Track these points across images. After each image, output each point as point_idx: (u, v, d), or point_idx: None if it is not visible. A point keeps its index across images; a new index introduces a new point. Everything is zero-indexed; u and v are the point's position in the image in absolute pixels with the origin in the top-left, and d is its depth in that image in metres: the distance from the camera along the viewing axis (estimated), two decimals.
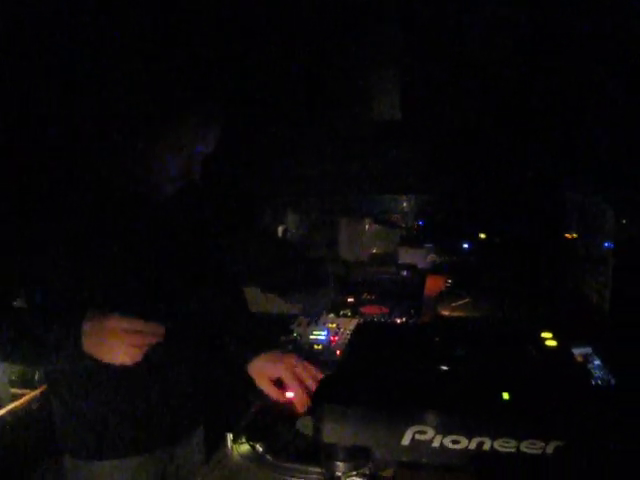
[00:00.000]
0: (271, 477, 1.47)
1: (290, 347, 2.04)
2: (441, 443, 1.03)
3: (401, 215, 3.01)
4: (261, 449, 1.53)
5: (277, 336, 2.13)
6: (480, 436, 1.02)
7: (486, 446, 1.01)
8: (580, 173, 1.83)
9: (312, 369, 1.68)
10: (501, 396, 1.07)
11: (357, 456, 1.11)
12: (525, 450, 1.01)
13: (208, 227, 1.81)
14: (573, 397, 1.07)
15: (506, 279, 2.00)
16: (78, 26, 1.66)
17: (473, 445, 1.02)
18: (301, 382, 1.59)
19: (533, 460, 1.00)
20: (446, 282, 2.36)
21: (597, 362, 1.26)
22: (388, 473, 1.36)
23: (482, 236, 2.55)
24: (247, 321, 1.82)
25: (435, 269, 2.61)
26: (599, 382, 1.20)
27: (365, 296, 2.70)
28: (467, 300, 1.84)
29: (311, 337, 2.16)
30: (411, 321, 2.17)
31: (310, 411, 1.71)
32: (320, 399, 1.08)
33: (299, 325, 2.29)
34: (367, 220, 3.15)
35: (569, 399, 1.06)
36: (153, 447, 1.64)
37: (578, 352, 1.31)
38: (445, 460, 1.03)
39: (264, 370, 1.65)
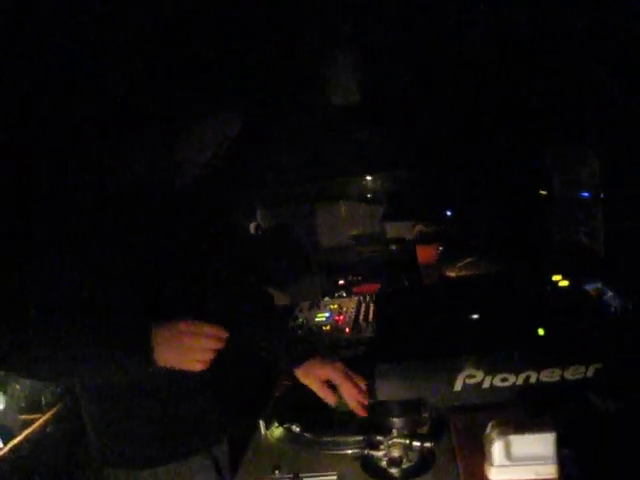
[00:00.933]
0: (312, 453, 1.50)
1: (300, 331, 2.08)
2: (491, 383, 1.10)
3: (378, 193, 3.07)
4: (298, 429, 1.56)
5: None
6: (526, 371, 1.09)
7: (532, 379, 1.08)
8: (556, 126, 1.92)
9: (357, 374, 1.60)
10: (537, 332, 1.14)
11: (411, 410, 1.16)
12: (569, 377, 1.08)
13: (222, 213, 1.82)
14: (602, 324, 1.15)
15: (497, 238, 2.09)
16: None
17: (520, 380, 1.08)
18: (353, 383, 1.52)
19: (576, 385, 1.08)
20: (438, 249, 2.44)
21: (610, 293, 1.35)
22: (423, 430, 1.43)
23: (461, 204, 2.64)
24: (276, 315, 1.79)
25: (423, 239, 2.68)
26: (617, 309, 1.29)
27: (354, 277, 2.76)
28: (470, 260, 1.92)
29: (316, 320, 2.20)
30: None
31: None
32: (371, 360, 1.13)
33: (301, 311, 2.33)
34: (342, 202, 3.20)
35: (599, 326, 1.14)
36: (193, 452, 1.61)
37: (590, 288, 1.40)
38: (496, 398, 1.10)
39: (313, 371, 1.63)
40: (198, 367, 1.29)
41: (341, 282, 2.70)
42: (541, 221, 1.96)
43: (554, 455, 0.93)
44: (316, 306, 2.31)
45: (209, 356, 1.29)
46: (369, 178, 2.98)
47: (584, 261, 1.62)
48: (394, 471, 1.37)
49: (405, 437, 1.37)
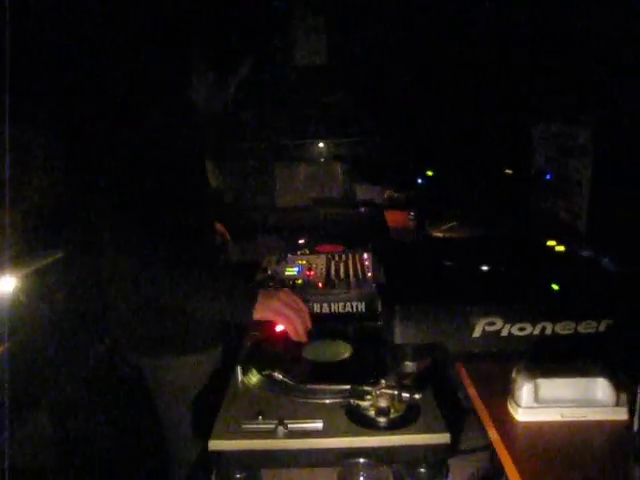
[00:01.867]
0: (294, 401, 1.48)
1: (271, 283, 2.04)
2: (509, 332, 1.11)
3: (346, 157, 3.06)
4: (280, 377, 1.53)
5: (254, 274, 2.13)
6: (543, 321, 1.11)
7: (548, 330, 1.11)
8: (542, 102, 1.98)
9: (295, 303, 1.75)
10: (551, 287, 1.17)
11: (426, 354, 1.17)
12: (582, 331, 1.11)
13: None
14: (609, 283, 1.19)
15: (477, 206, 2.13)
16: None
17: (537, 331, 1.11)
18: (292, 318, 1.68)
19: (589, 339, 1.11)
20: (409, 215, 2.46)
21: (605, 259, 1.41)
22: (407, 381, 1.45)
23: (429, 173, 2.68)
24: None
25: (393, 204, 2.70)
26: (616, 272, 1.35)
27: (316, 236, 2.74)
28: (454, 223, 1.94)
29: (286, 274, 2.17)
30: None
31: (314, 336, 1.74)
32: (390, 301, 1.12)
33: (269, 264, 2.29)
34: (303, 164, 3.17)
35: (607, 284, 1.18)
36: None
37: (583, 253, 1.45)
38: (512, 347, 1.12)
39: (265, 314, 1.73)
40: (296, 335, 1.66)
41: (301, 241, 2.67)
42: (520, 193, 2.01)
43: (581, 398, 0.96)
44: (284, 261, 2.27)
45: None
46: (335, 142, 2.96)
47: (562, 235, 1.67)
48: (382, 420, 1.37)
49: (393, 388, 1.37)
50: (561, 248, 1.41)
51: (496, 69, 2.24)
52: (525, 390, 0.96)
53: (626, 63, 1.68)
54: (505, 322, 1.08)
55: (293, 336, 1.69)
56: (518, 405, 0.98)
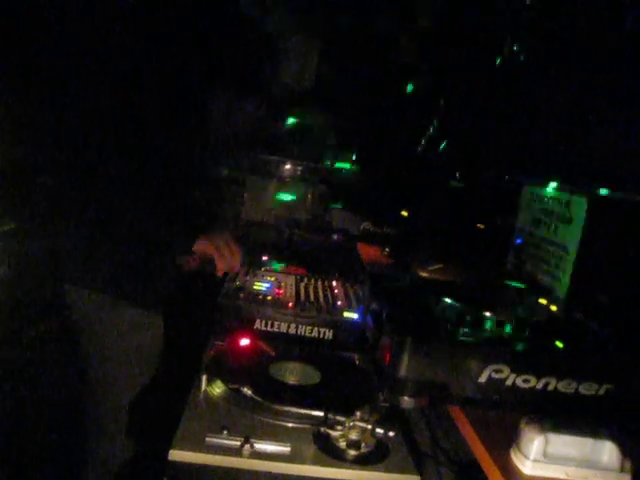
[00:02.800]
0: (262, 420, 1.43)
1: (242, 295, 1.98)
2: (513, 382, 1.10)
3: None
4: (249, 392, 1.47)
5: (222, 284, 2.05)
6: (548, 377, 1.11)
7: (551, 386, 1.11)
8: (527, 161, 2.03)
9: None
10: (556, 344, 1.17)
11: (424, 392, 1.14)
12: (583, 391, 1.12)
13: None
14: (608, 347, 1.21)
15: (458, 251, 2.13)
16: None
17: (540, 385, 1.11)
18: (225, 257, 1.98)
19: (588, 400, 1.12)
20: (384, 251, 2.45)
21: (594, 325, 1.44)
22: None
23: (404, 213, 2.69)
24: None
25: (368, 237, 2.68)
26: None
27: (280, 255, 2.68)
28: (440, 266, 1.94)
29: (254, 287, 2.10)
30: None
31: (281, 357, 1.70)
32: (400, 333, 1.09)
33: (237, 275, 2.21)
34: (275, 182, 3.13)
35: (607, 349, 1.20)
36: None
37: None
38: (513, 398, 1.11)
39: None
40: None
41: (264, 258, 2.61)
42: (498, 249, 2.04)
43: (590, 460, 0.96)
44: (252, 274, 2.20)
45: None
46: (313, 165, 2.93)
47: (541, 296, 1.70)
48: (352, 453, 1.33)
49: (367, 421, 1.34)
50: (554, 307, 1.43)
51: (496, 121, 2.30)
52: (536, 443, 0.95)
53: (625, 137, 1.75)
54: (512, 371, 1.07)
55: (220, 269, 1.99)
56: (526, 457, 0.96)
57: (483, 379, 1.07)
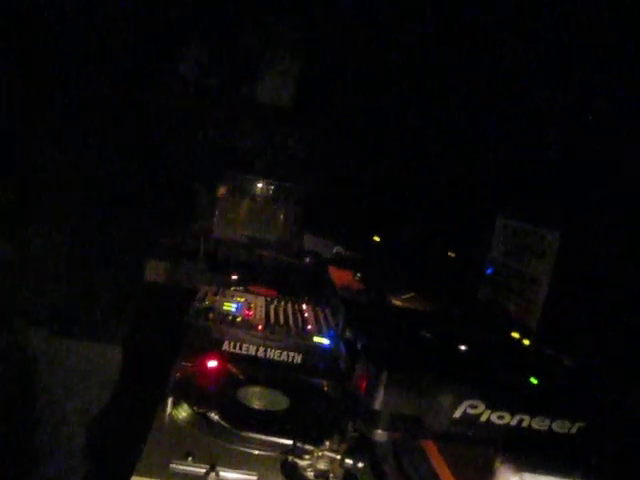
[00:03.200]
0: (228, 447, 1.39)
1: (211, 315, 1.93)
2: (488, 418, 1.10)
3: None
4: (216, 417, 1.43)
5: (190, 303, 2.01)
6: (522, 413, 1.11)
7: (525, 423, 1.11)
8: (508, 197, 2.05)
9: None
10: (530, 380, 1.17)
11: (398, 425, 1.12)
12: (556, 429, 1.12)
13: None
14: (582, 385, 1.22)
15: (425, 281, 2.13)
16: None
17: (514, 422, 1.10)
18: None
19: (560, 438, 1.12)
20: (355, 276, 2.43)
21: (568, 362, 1.44)
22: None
23: (376, 239, 2.69)
24: None
25: (340, 262, 2.66)
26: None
27: (249, 275, 2.65)
28: (412, 294, 1.94)
29: (224, 308, 2.06)
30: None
31: (249, 381, 1.66)
32: (377, 365, 1.07)
33: (206, 294, 2.17)
34: (247, 200, 3.10)
35: (580, 386, 1.20)
36: None
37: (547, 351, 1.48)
38: (488, 434, 1.10)
39: None
40: None
41: (234, 277, 2.58)
42: (468, 279, 2.05)
43: None
44: (220, 293, 2.17)
45: None
46: (287, 185, 2.92)
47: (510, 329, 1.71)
48: None
49: (336, 452, 1.32)
50: (526, 342, 1.43)
51: (470, 153, 2.32)
52: None
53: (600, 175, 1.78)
54: (487, 407, 1.06)
55: None
56: None
57: (458, 414, 1.06)
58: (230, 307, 2.04)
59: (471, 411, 1.07)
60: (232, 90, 3.24)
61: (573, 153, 1.87)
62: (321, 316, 2.13)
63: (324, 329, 2.00)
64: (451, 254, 2.29)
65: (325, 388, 1.76)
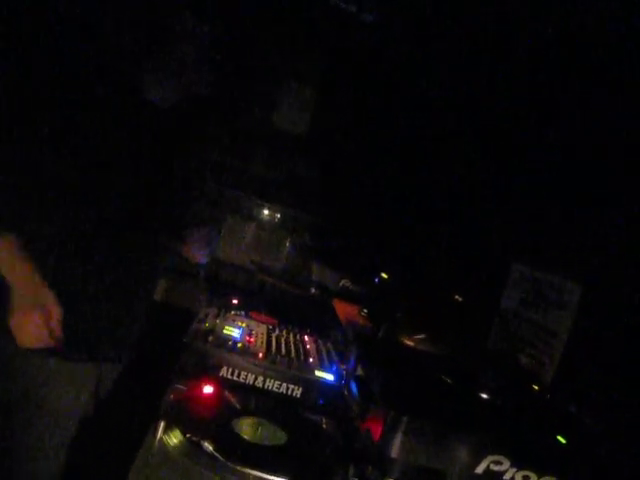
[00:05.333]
0: (213, 478, 1.29)
1: (210, 338, 1.84)
2: (512, 477, 1.01)
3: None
4: (210, 448, 1.33)
5: (188, 324, 1.92)
6: (549, 475, 1.02)
7: None
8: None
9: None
10: (558, 439, 1.08)
11: (414, 477, 1.03)
12: None
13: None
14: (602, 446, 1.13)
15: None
16: None
17: None
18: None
19: None
20: (362, 311, 2.35)
21: (590, 422, 1.36)
22: None
23: (384, 276, 2.61)
24: None
25: (345, 295, 2.57)
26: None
27: (251, 301, 2.56)
28: (425, 335, 1.85)
29: (224, 332, 1.97)
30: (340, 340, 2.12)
31: (245, 411, 1.57)
32: (396, 409, 0.99)
33: (206, 316, 2.08)
34: (254, 225, 3.04)
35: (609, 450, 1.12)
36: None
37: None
38: None
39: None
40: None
41: (235, 301, 2.49)
42: (481, 326, 1.97)
43: None
44: (222, 316, 2.08)
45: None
46: (296, 214, 2.86)
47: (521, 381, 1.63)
48: None
49: None
50: (547, 396, 1.35)
51: (484, 193, 2.27)
52: None
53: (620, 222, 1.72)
54: (512, 465, 0.97)
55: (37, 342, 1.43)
56: None
57: (480, 470, 0.97)
58: (231, 331, 1.95)
59: (495, 467, 0.98)
60: (247, 116, 3.21)
61: (598, 201, 1.82)
62: (324, 350, 2.05)
63: (327, 363, 1.91)
64: (460, 298, 2.22)
65: (324, 425, 1.67)
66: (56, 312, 1.42)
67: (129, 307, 1.69)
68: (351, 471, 1.33)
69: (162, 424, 1.38)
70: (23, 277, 1.39)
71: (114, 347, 1.68)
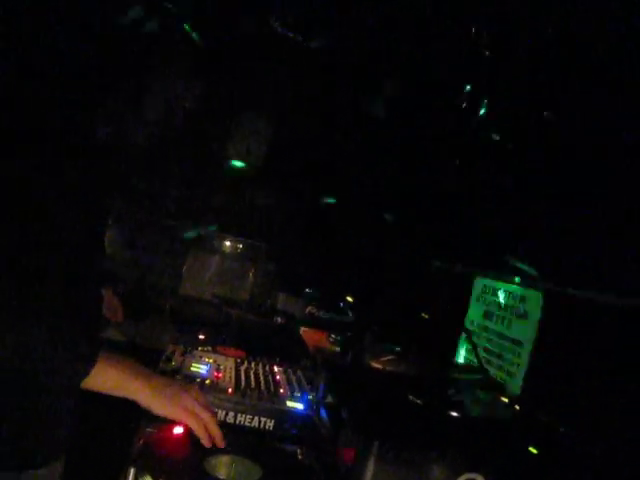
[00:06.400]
0: None
1: (178, 377, 1.81)
2: None
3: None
4: None
5: (155, 363, 1.88)
6: None
7: None
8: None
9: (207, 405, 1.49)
10: (530, 450, 1.09)
11: None
12: None
13: None
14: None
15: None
16: None
17: None
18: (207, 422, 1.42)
19: None
20: (329, 337, 2.34)
21: (563, 430, 1.37)
22: None
23: (349, 299, 2.61)
24: None
25: (311, 322, 2.55)
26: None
27: (217, 335, 2.54)
28: (392, 357, 1.85)
29: (192, 369, 1.94)
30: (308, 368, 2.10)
31: (215, 450, 1.54)
32: (366, 435, 0.99)
33: (173, 354, 2.05)
34: (217, 257, 3.02)
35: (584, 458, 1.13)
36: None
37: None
38: None
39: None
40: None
41: (201, 337, 2.46)
42: (449, 341, 1.99)
43: None
44: (189, 353, 2.05)
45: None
46: (258, 244, 2.86)
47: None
48: None
49: None
50: (516, 406, 1.36)
51: (451, 210, 2.30)
52: None
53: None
54: None
55: (206, 442, 1.41)
56: None
57: None
58: (198, 369, 1.92)
59: None
60: (203, 147, 3.20)
61: (557, 213, 1.86)
62: (294, 379, 2.03)
63: (297, 393, 1.89)
64: (426, 315, 2.23)
65: (300, 456, 1.64)
66: None
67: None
68: None
69: (132, 471, 1.34)
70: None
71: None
